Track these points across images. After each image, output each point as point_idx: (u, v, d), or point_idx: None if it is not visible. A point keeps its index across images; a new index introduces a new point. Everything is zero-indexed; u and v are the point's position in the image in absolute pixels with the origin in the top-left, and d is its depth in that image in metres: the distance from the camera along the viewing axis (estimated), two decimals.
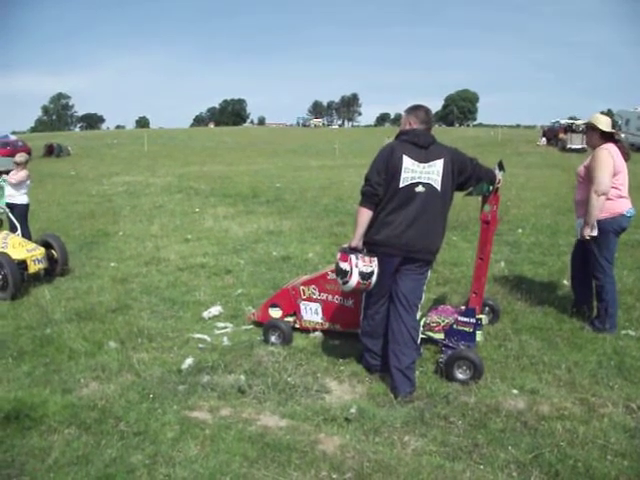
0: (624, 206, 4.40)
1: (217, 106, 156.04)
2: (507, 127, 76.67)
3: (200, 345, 4.37)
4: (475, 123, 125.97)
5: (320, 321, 4.43)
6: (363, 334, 3.83)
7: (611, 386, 3.53)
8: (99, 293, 5.49)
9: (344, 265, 3.44)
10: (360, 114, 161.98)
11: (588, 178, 4.41)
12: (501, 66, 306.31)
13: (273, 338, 4.36)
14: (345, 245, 3.64)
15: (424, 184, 3.43)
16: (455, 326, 3.99)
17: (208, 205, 11.39)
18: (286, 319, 4.52)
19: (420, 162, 3.44)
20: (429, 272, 3.70)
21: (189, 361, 4.00)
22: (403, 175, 3.42)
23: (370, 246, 3.54)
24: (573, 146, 29.44)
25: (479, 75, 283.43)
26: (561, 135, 31.59)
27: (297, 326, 4.52)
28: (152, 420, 3.17)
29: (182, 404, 3.39)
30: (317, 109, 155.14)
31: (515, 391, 3.53)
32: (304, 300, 4.46)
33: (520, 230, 8.72)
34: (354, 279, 3.41)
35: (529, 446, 2.92)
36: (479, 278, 3.95)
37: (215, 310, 5.10)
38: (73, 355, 4.06)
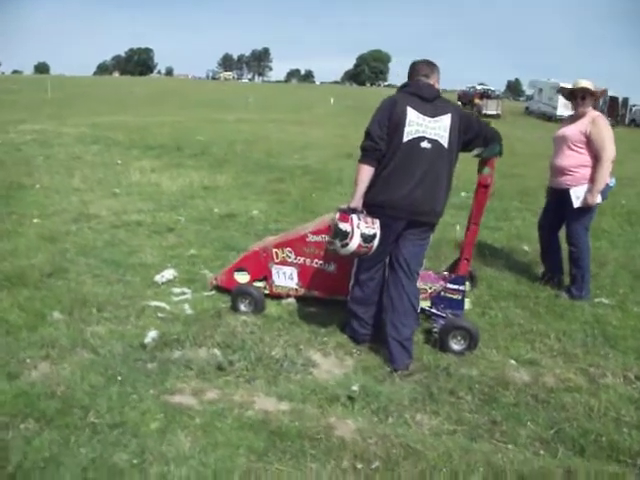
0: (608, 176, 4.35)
1: (122, 54, 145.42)
2: None
3: (159, 314, 3.83)
4: (386, 84, 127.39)
5: (295, 287, 4.04)
6: (353, 301, 3.51)
7: (603, 355, 3.50)
8: (28, 254, 4.67)
9: (344, 226, 3.06)
10: (271, 69, 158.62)
11: (588, 144, 4.27)
12: (413, 29, 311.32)
13: (242, 306, 3.92)
14: (343, 205, 3.27)
15: (430, 140, 3.12)
16: (443, 293, 3.79)
17: (130, 157, 10.37)
18: (254, 284, 4.09)
19: (425, 116, 3.12)
20: (431, 236, 3.43)
21: (152, 334, 3.47)
22: (407, 129, 3.09)
23: (371, 208, 3.19)
24: (489, 112, 30.68)
25: (392, 36, 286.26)
26: (477, 100, 32.69)
27: (267, 292, 4.11)
28: (128, 409, 2.66)
29: (158, 387, 2.89)
30: (227, 62, 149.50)
31: (512, 362, 3.40)
32: (277, 264, 4.04)
33: (463, 193, 8.75)
34: (355, 241, 3.05)
35: (546, 421, 2.79)
36: (470, 244, 3.74)
37: (168, 274, 4.53)
38: (11, 329, 3.36)
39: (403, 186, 3.12)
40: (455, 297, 3.76)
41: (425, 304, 3.85)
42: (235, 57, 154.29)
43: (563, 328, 3.86)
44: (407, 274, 3.27)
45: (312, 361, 3.33)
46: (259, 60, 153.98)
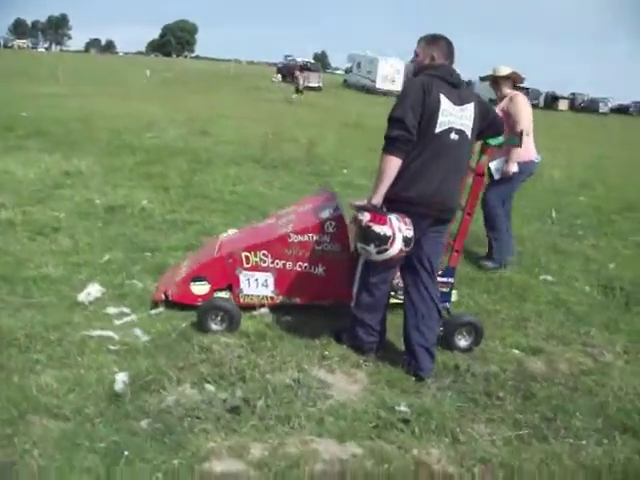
0: (534, 153, 4.64)
1: None
2: (226, 61, 75.45)
3: (110, 347, 3.01)
4: (193, 55, 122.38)
5: (270, 294, 3.49)
6: (359, 307, 3.11)
7: (586, 334, 3.65)
8: None
9: (383, 229, 2.66)
10: (70, 38, 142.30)
11: (506, 121, 4.42)
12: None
13: (214, 324, 3.26)
14: (359, 202, 2.86)
15: (457, 130, 2.87)
16: None
17: None
18: (216, 294, 3.45)
19: (455, 104, 2.86)
20: None
21: (122, 377, 2.68)
22: (441, 119, 2.81)
23: (395, 204, 2.83)
24: (311, 84, 31.56)
25: (198, 6, 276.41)
26: (297, 73, 33.10)
27: None
28: None
29: (180, 454, 2.19)
30: (19, 29, 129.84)
31: (516, 351, 3.37)
32: (246, 269, 3.45)
33: (345, 170, 8.72)
34: (397, 246, 2.68)
35: (589, 409, 2.79)
36: (463, 235, 3.58)
37: (94, 290, 3.60)
38: None
39: (433, 181, 2.84)
40: (444, 290, 3.59)
41: None
42: (29, 23, 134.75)
43: (534, 310, 3.96)
44: (430, 274, 3.00)
45: (324, 381, 2.89)
46: (56, 28, 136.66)
